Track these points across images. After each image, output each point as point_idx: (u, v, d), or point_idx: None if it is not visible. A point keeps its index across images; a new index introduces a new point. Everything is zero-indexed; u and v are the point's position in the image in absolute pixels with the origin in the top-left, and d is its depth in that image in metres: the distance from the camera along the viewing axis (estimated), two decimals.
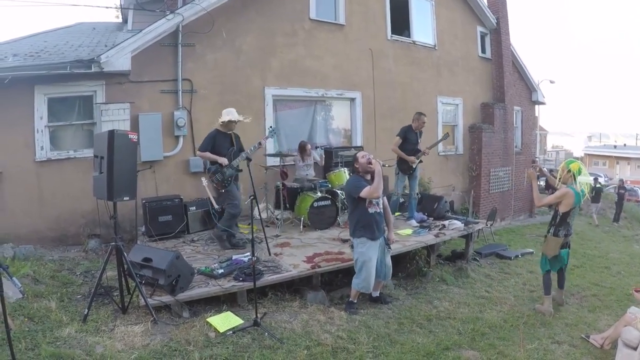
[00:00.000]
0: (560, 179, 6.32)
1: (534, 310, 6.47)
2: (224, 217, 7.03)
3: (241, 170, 7.00)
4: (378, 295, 6.22)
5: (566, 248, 6.42)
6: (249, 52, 9.62)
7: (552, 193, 7.00)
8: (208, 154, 6.82)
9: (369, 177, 5.61)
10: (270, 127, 7.05)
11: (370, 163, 5.48)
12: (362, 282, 5.62)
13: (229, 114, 6.94)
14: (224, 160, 6.80)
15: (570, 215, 6.26)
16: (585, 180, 6.26)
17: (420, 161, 8.63)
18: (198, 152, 7.02)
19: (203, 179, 7.26)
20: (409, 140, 8.43)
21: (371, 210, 5.53)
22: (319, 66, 10.73)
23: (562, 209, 6.22)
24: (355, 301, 5.85)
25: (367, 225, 5.55)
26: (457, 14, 14.09)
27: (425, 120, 8.62)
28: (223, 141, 6.95)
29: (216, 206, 7.38)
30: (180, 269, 5.14)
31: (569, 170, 6.20)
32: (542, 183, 16.67)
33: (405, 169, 8.56)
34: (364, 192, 5.38)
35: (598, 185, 20.03)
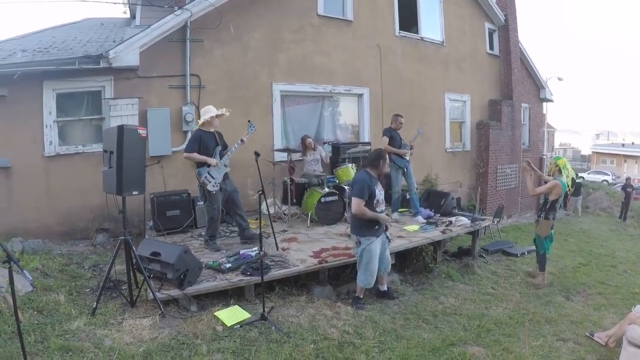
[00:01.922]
0: (549, 172, 7.70)
1: (527, 282, 7.74)
2: (206, 222, 6.93)
3: (228, 169, 6.92)
4: (386, 289, 6.26)
5: (552, 229, 7.67)
6: (256, 47, 9.64)
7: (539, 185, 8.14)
8: (196, 155, 6.57)
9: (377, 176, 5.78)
10: (249, 121, 6.94)
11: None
12: (368, 279, 5.71)
13: (209, 111, 6.76)
14: (213, 162, 6.62)
15: (558, 202, 7.52)
16: (570, 174, 7.58)
17: (411, 154, 8.86)
18: (185, 154, 6.71)
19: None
20: (394, 138, 8.72)
21: (379, 209, 5.70)
22: (327, 62, 10.72)
23: (552, 197, 7.39)
24: (362, 296, 5.90)
25: (373, 223, 5.67)
26: (465, 11, 14.03)
27: (402, 121, 8.89)
28: (208, 140, 6.73)
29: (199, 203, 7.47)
30: (189, 263, 5.18)
31: (557, 165, 7.49)
32: None
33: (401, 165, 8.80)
34: (354, 202, 5.59)
35: (578, 180, 20.19)
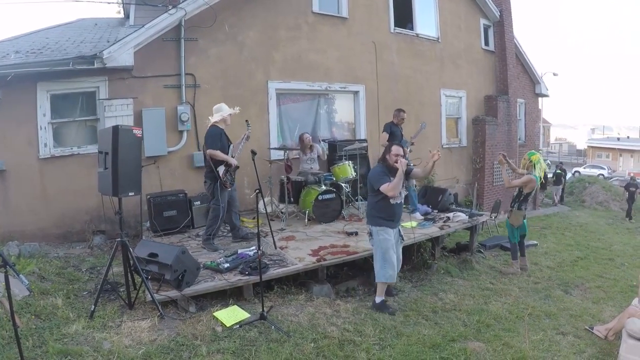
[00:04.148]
0: (523, 166, 8.06)
1: (501, 273, 7.99)
2: (209, 220, 6.88)
3: (238, 167, 6.95)
4: None
5: (525, 219, 8.08)
6: (252, 46, 9.60)
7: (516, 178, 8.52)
8: (220, 153, 6.53)
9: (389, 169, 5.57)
10: (246, 120, 6.99)
11: (396, 162, 5.43)
12: (388, 272, 5.52)
13: (223, 109, 6.80)
14: (234, 162, 6.68)
15: (531, 195, 8.09)
16: (543, 167, 8.04)
17: (410, 151, 8.82)
18: (211, 151, 6.58)
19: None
20: (394, 134, 8.63)
21: (393, 201, 5.52)
22: (323, 59, 10.70)
23: (526, 190, 7.85)
24: (384, 298, 5.72)
25: (388, 215, 5.56)
26: (461, 6, 14.01)
27: (405, 115, 8.89)
28: (225, 139, 6.76)
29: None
30: (186, 264, 5.16)
31: (531, 161, 7.87)
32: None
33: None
34: (382, 188, 5.36)
35: (558, 171, 20.56)
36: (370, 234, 5.68)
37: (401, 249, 5.97)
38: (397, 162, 5.40)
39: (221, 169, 6.62)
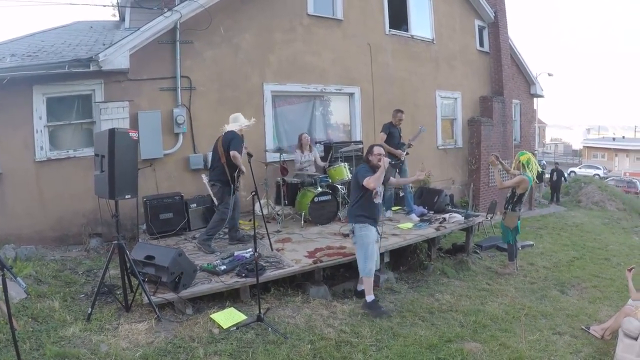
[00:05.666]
0: (515, 167, 8.09)
1: (498, 274, 7.93)
2: (213, 221, 6.90)
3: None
4: (363, 289, 6.19)
5: (520, 220, 8.13)
6: (247, 48, 9.61)
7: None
8: (240, 159, 6.56)
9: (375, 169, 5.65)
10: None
11: (379, 160, 5.53)
12: (368, 265, 5.57)
13: (238, 119, 6.95)
14: (244, 170, 6.71)
15: (525, 196, 7.98)
16: (535, 168, 7.97)
17: (407, 153, 8.79)
18: (235, 153, 6.53)
19: (203, 175, 7.31)
20: (392, 135, 8.59)
21: (376, 200, 5.64)
22: (318, 62, 10.72)
23: (519, 191, 7.87)
24: (373, 296, 5.67)
25: (370, 213, 5.63)
26: (455, 8, 14.05)
27: (403, 116, 8.81)
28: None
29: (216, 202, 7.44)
30: (183, 266, 5.16)
31: (520, 161, 7.87)
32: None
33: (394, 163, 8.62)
34: (365, 181, 5.43)
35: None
36: (353, 232, 5.71)
37: (379, 248, 5.98)
38: (380, 161, 5.53)
39: (234, 175, 6.68)
